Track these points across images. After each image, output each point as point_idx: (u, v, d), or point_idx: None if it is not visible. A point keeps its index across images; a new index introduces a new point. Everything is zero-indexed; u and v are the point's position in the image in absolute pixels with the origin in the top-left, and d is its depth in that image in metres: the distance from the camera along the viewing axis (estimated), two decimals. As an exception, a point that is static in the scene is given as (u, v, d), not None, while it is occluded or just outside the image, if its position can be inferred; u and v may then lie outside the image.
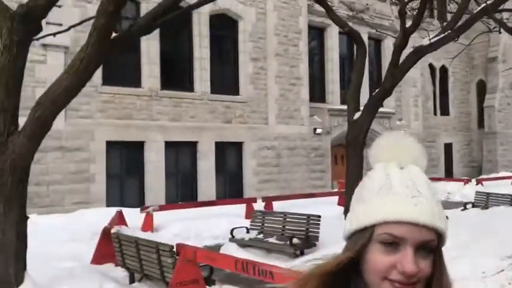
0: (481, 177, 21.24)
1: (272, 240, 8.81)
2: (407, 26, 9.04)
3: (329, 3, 18.75)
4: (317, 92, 19.69)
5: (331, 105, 19.11)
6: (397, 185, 0.88)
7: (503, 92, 26.13)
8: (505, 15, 12.67)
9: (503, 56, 25.90)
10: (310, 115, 18.87)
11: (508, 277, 5.58)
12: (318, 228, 8.32)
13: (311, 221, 8.51)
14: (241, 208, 12.42)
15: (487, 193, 12.78)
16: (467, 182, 18.58)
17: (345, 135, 20.72)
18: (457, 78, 27.37)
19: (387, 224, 0.85)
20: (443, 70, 26.87)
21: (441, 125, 25.65)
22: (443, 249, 0.91)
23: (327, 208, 12.13)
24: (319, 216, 8.37)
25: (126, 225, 9.48)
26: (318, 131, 18.81)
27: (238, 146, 17.18)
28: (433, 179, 20.68)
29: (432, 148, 23.19)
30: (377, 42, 21.64)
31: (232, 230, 9.45)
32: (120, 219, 9.69)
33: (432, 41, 8.90)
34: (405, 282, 0.84)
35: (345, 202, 10.27)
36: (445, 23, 9.32)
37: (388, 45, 20.71)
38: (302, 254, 8.35)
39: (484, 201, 12.41)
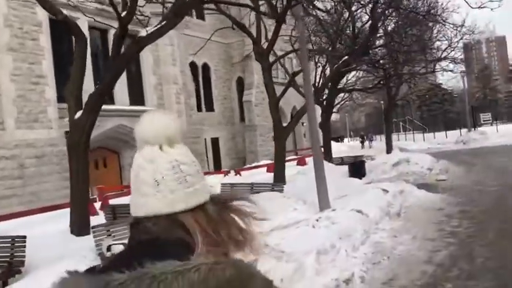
0: (240, 168, 22.55)
1: (-34, 274, 7.06)
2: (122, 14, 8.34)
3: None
4: (67, 92, 17.77)
5: (84, 106, 17.45)
6: (168, 178, 0.92)
7: (258, 87, 28.41)
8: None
9: (256, 54, 28.10)
10: (60, 117, 16.92)
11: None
12: (24, 252, 6.95)
13: (16, 244, 7.08)
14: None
15: (231, 184, 13.22)
16: (226, 173, 19.34)
17: (105, 136, 19.50)
18: (219, 75, 28.67)
19: None
20: (206, 68, 27.81)
21: (206, 120, 26.46)
22: None
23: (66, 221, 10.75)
24: (25, 237, 7.01)
25: None
26: (70, 134, 17.01)
27: (-37, 159, 14.24)
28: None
29: (197, 144, 23.62)
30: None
31: None
32: None
33: (150, 31, 8.42)
34: None
35: (72, 217, 9.07)
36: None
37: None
38: (5, 285, 6.87)
39: (229, 191, 12.76)
